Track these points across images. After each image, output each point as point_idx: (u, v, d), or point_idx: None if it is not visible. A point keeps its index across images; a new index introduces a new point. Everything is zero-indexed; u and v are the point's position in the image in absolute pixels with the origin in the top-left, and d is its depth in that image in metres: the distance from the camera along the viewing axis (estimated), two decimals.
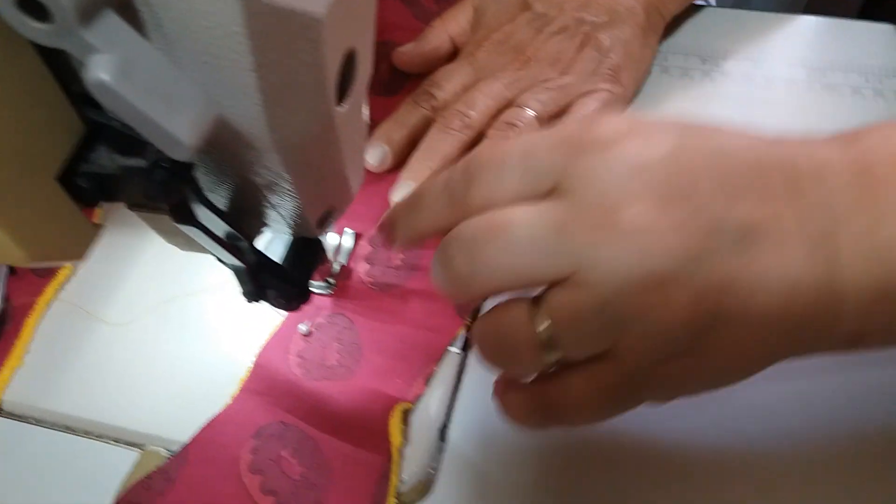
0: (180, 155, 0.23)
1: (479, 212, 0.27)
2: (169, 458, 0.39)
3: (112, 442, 0.42)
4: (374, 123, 0.49)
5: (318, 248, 0.37)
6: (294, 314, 0.44)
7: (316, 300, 0.45)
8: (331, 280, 0.45)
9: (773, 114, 0.49)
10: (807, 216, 0.25)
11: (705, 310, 0.25)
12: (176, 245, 0.36)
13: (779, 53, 0.52)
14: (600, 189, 0.25)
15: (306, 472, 0.37)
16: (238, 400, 0.41)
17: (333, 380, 0.41)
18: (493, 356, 0.29)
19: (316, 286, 0.45)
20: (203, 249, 0.34)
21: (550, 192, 0.26)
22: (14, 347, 0.45)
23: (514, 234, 0.26)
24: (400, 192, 0.46)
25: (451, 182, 0.29)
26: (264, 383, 0.41)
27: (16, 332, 0.46)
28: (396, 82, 0.55)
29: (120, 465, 0.40)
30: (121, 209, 0.42)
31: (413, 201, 0.31)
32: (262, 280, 0.35)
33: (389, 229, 0.32)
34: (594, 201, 0.25)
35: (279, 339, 0.43)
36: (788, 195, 0.25)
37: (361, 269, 0.46)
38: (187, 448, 0.39)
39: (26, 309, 0.47)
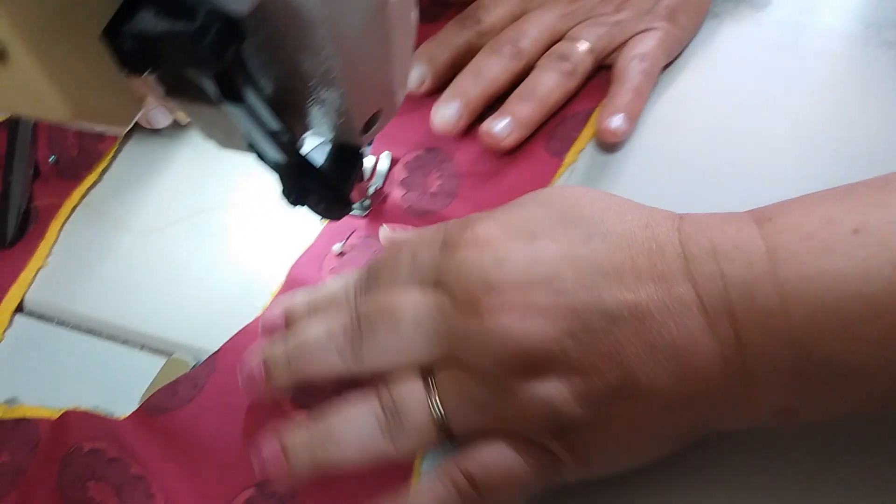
0: (239, 4, 0.22)
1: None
2: (196, 366, 0.39)
3: (138, 348, 0.41)
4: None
5: (358, 159, 0.36)
6: (328, 233, 0.43)
7: (350, 221, 0.44)
8: (366, 202, 0.44)
9: (826, 66, 0.48)
10: (701, 293, 0.26)
11: (592, 385, 0.27)
12: (215, 140, 0.34)
13: (836, 4, 0.51)
14: (468, 280, 0.29)
15: (340, 388, 0.36)
16: (269, 310, 0.40)
17: None
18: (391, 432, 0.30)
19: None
20: (243, 146, 0.33)
21: (435, 286, 0.30)
22: (38, 248, 0.44)
23: (402, 317, 0.30)
24: (444, 109, 0.44)
25: (353, 282, 0.33)
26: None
27: (40, 233, 0.45)
28: (436, 10, 0.53)
29: (145, 371, 0.39)
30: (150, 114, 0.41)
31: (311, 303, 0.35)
32: (304, 183, 0.34)
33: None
34: (464, 290, 0.29)
35: (313, 255, 0.42)
36: (673, 276, 0.27)
37: (397, 193, 0.45)
38: (215, 356, 0.39)
39: (51, 211, 0.46)
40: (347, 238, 0.43)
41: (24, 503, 0.35)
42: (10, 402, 0.39)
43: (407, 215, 0.43)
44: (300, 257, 0.42)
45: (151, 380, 0.39)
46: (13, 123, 0.43)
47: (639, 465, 0.30)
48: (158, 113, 0.47)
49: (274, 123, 0.30)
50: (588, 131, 0.46)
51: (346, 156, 0.35)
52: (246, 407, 0.37)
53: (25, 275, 0.43)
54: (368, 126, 0.33)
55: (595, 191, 0.33)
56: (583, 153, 0.46)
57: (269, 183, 0.44)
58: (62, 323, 0.42)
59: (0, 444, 0.37)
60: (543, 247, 0.28)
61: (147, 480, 0.34)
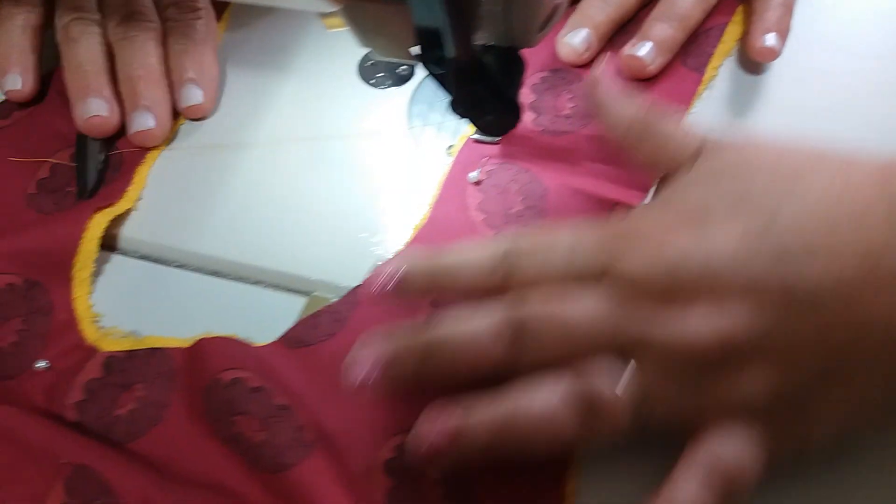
0: None
1: (522, 287, 0.28)
2: (337, 300, 0.36)
3: (270, 287, 0.38)
4: None
5: (522, 66, 0.33)
6: (460, 163, 0.40)
7: (481, 149, 0.41)
8: None
9: None
10: None
11: (798, 372, 0.25)
12: (374, 45, 0.31)
13: None
14: (651, 275, 0.27)
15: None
16: (412, 246, 0.37)
17: (521, 226, 0.37)
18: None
19: (480, 134, 0.41)
20: (404, 51, 0.30)
21: (603, 280, 0.27)
22: (128, 189, 0.41)
23: (575, 318, 0.27)
24: (571, 38, 0.42)
25: (502, 254, 0.29)
26: (439, 232, 0.37)
27: (126, 178, 0.42)
28: None
29: (282, 312, 0.37)
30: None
31: (451, 258, 0.31)
32: (476, 90, 0.30)
33: (407, 276, 0.31)
34: (648, 285, 0.26)
35: (451, 188, 0.39)
36: (882, 246, 0.25)
37: (527, 118, 0.42)
38: (357, 290, 0.36)
39: (138, 157, 0.43)
40: (481, 166, 0.40)
41: (171, 439, 0.32)
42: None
43: (543, 137, 0.41)
44: (441, 192, 0.39)
45: (295, 320, 0.36)
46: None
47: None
48: None
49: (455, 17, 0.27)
50: (723, 47, 0.44)
51: (511, 60, 0.32)
52: None
53: (110, 210, 0.40)
54: (545, 24, 0.30)
55: (767, 146, 0.29)
56: (721, 69, 0.43)
57: (393, 114, 0.42)
58: (181, 265, 0.39)
59: (134, 376, 0.34)
60: (725, 231, 0.26)
61: (293, 411, 0.31)
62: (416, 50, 0.31)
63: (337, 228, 0.39)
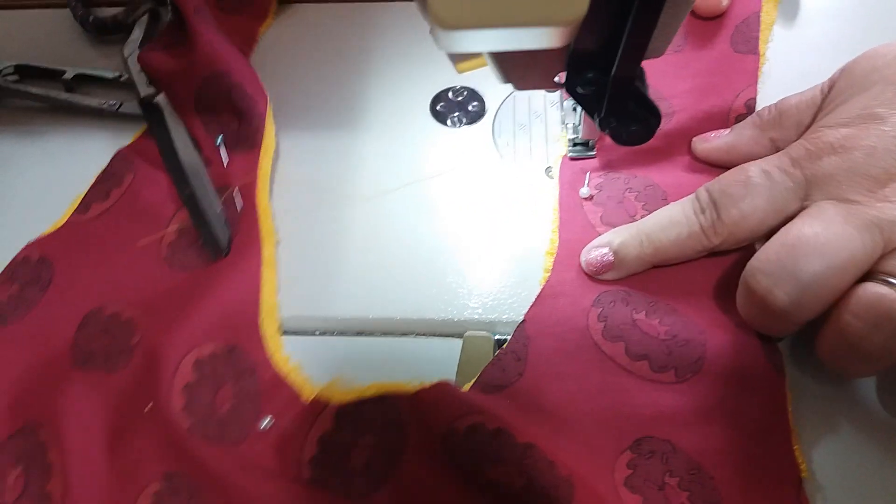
0: None
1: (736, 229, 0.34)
2: (509, 338, 0.37)
3: (418, 336, 0.39)
4: None
5: (644, 74, 0.35)
6: (565, 183, 0.42)
7: (579, 165, 0.42)
8: (592, 141, 0.42)
9: None
10: None
11: None
12: (519, 83, 0.33)
13: None
14: (851, 181, 0.31)
15: (671, 330, 0.35)
16: (556, 272, 0.38)
17: None
18: None
19: (573, 151, 0.42)
20: (548, 83, 0.32)
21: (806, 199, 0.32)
22: (261, 235, 0.41)
23: (825, 241, 0.30)
24: None
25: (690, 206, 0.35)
26: (576, 252, 0.39)
27: (251, 221, 0.42)
28: None
29: (441, 356, 0.37)
30: None
31: (651, 220, 0.36)
32: (628, 103, 0.32)
33: (620, 249, 0.36)
34: (850, 191, 0.31)
35: (567, 207, 0.40)
36: None
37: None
38: (523, 326, 0.37)
39: (249, 189, 0.43)
40: (587, 181, 0.41)
41: (408, 490, 0.32)
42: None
43: None
44: (561, 214, 0.40)
45: (457, 362, 0.37)
46: (158, 135, 0.39)
47: None
48: None
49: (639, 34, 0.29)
50: (764, 32, 0.47)
51: (642, 70, 0.34)
52: (578, 367, 0.35)
53: (268, 253, 0.40)
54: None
55: (877, 49, 0.34)
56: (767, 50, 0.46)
57: (478, 149, 0.43)
58: (324, 332, 0.39)
59: (364, 426, 0.34)
60: None
61: (538, 449, 0.31)
62: (559, 78, 0.32)
63: (468, 264, 0.40)
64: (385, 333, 0.39)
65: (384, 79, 0.49)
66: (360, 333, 0.39)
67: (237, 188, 0.42)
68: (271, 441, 0.34)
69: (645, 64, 0.32)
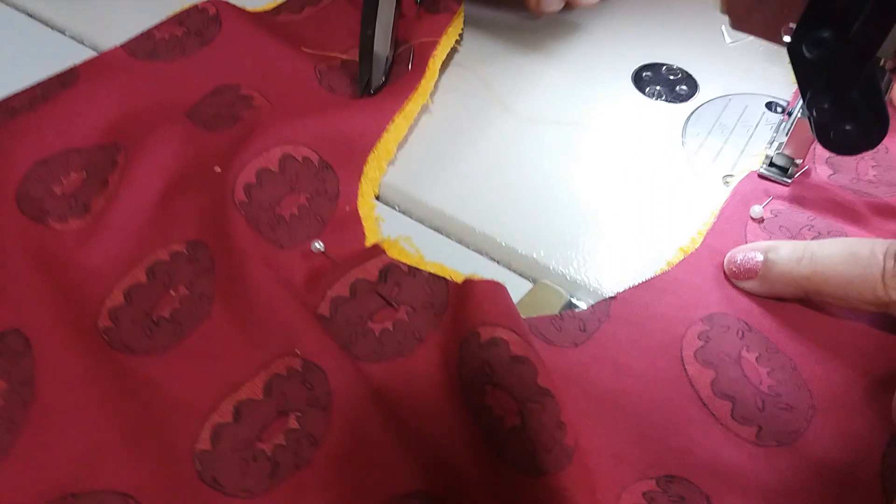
0: None
1: None
2: (587, 308, 0.31)
3: (494, 261, 0.34)
4: None
5: (891, 82, 0.28)
6: (739, 195, 0.35)
7: (764, 186, 0.35)
8: (792, 169, 0.35)
9: None
10: None
11: None
12: (744, 22, 0.27)
13: None
14: None
15: (777, 387, 0.28)
16: (680, 270, 0.32)
17: None
18: None
19: (766, 169, 0.36)
20: (773, 33, 0.26)
21: None
22: (420, 84, 0.39)
23: None
24: None
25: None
26: (709, 262, 0.32)
27: (419, 71, 0.40)
28: None
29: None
30: None
31: (823, 247, 0.29)
32: (851, 91, 0.26)
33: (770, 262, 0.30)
34: None
35: (729, 218, 0.34)
36: None
37: (822, 171, 0.36)
38: (611, 303, 0.31)
39: (427, 49, 0.40)
40: (767, 202, 0.34)
41: (411, 379, 0.28)
42: None
43: (842, 192, 0.35)
44: (718, 222, 0.34)
45: (517, 300, 0.31)
46: None
47: None
48: None
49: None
50: None
51: (882, 73, 0.27)
52: (643, 367, 0.29)
53: (410, 108, 0.38)
54: None
55: None
56: None
57: (664, 128, 0.38)
58: (407, 213, 0.36)
59: (406, 295, 0.30)
60: None
61: (555, 400, 0.26)
62: (786, 34, 0.26)
63: (585, 221, 0.35)
64: (462, 241, 0.35)
65: (609, 30, 0.45)
66: (438, 230, 0.35)
67: (413, 45, 0.40)
68: (310, 263, 0.32)
69: None
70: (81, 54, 0.42)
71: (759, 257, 0.30)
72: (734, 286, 0.31)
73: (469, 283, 0.29)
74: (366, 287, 0.31)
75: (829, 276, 0.28)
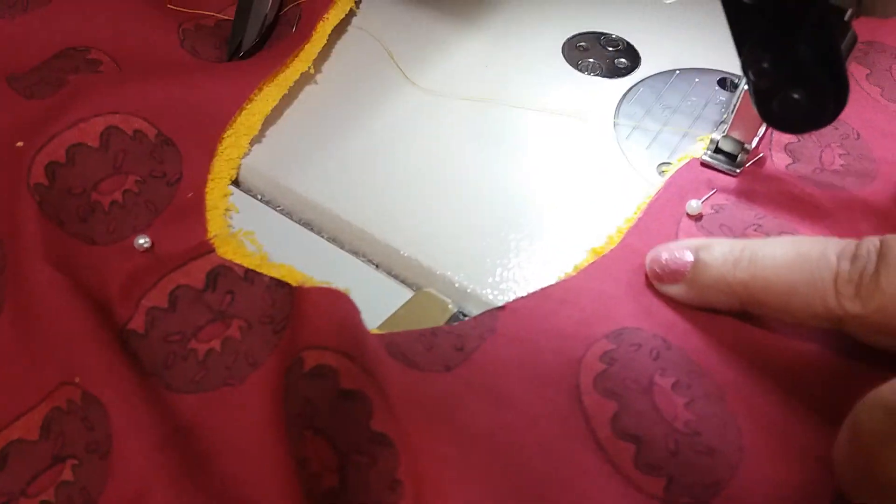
0: None
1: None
2: (464, 321, 0.25)
3: (372, 265, 0.28)
4: None
5: (854, 43, 0.22)
6: (676, 186, 0.29)
7: (707, 176, 0.29)
8: (742, 157, 0.29)
9: None
10: None
11: None
12: None
13: None
14: None
15: (697, 423, 0.21)
16: (586, 276, 0.25)
17: None
18: None
19: (710, 156, 0.29)
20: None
21: None
22: (302, 50, 0.33)
23: None
24: None
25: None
26: (627, 265, 0.26)
27: (302, 35, 0.33)
28: None
29: (383, 297, 0.26)
30: None
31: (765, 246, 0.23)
32: (799, 46, 0.19)
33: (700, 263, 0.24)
34: None
35: (659, 213, 0.27)
36: None
37: (779, 160, 0.30)
38: (496, 314, 0.24)
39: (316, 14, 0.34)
40: (708, 196, 0.28)
41: (235, 414, 0.23)
42: None
43: (800, 184, 0.29)
44: (644, 217, 0.27)
45: (393, 311, 0.25)
46: None
47: None
48: None
49: None
50: None
51: (843, 31, 0.21)
52: (527, 399, 0.22)
53: (286, 76, 0.32)
54: None
55: None
56: None
57: (596, 105, 0.32)
58: (272, 202, 0.29)
59: (238, 307, 0.25)
60: None
61: (394, 448, 0.20)
62: None
63: (485, 218, 0.28)
64: (335, 240, 0.28)
65: None
66: (307, 225, 0.29)
67: (302, 4, 0.34)
68: (132, 264, 0.26)
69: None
70: None
71: (689, 257, 0.24)
72: (655, 295, 0.25)
73: (301, 293, 0.23)
74: (190, 296, 0.24)
75: (770, 282, 0.22)
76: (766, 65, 0.20)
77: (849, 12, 0.21)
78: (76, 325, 0.23)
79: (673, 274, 0.24)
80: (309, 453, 0.20)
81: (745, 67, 0.21)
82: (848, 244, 0.21)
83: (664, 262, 0.24)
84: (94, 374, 0.22)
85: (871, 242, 0.20)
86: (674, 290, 0.24)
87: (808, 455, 0.21)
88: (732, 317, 0.24)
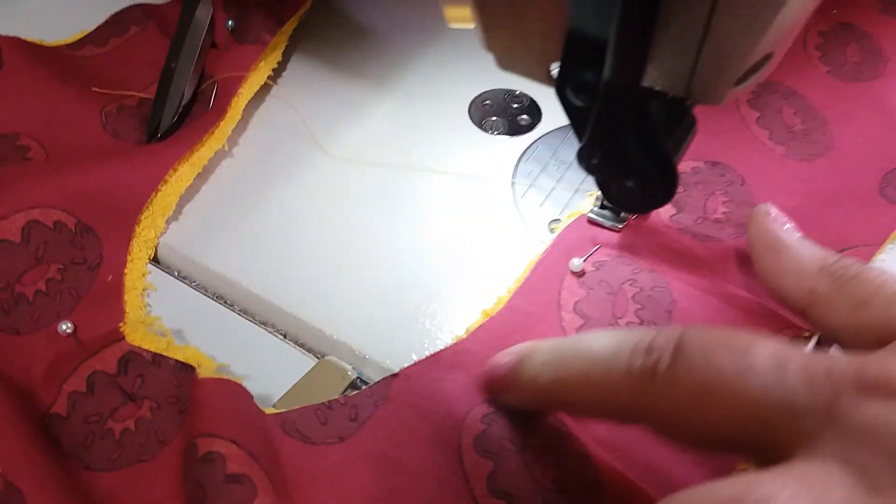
0: None
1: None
2: (359, 392, 0.27)
3: (279, 336, 0.29)
4: None
5: (692, 128, 0.24)
6: (562, 244, 0.31)
7: (592, 232, 0.31)
8: (623, 213, 0.31)
9: None
10: None
11: None
12: (504, 55, 0.23)
13: None
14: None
15: (563, 479, 0.23)
16: (475, 339, 0.27)
17: None
18: None
19: (596, 213, 0.31)
20: (538, 70, 0.22)
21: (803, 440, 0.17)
22: (217, 128, 0.35)
23: None
24: None
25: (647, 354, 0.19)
26: (515, 326, 0.28)
27: (219, 111, 0.35)
28: None
29: (287, 369, 0.28)
30: None
31: (583, 343, 0.21)
32: (623, 140, 0.21)
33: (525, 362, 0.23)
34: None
35: (545, 272, 0.29)
36: None
37: (664, 211, 0.32)
38: (390, 382, 0.26)
39: (232, 85, 0.36)
40: (591, 253, 0.30)
41: (148, 489, 0.25)
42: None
43: (680, 237, 0.31)
44: (530, 277, 0.29)
45: (294, 383, 0.27)
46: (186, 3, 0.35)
47: None
48: None
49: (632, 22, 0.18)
50: None
51: (679, 117, 0.23)
52: (416, 462, 0.24)
53: (201, 154, 0.34)
54: (745, 76, 0.20)
55: None
56: None
57: (496, 166, 0.34)
58: (188, 278, 0.31)
59: (149, 389, 0.27)
60: None
61: None
62: (556, 70, 0.22)
63: (387, 284, 0.30)
64: (246, 312, 0.30)
65: (441, 54, 0.41)
66: (221, 299, 0.31)
67: (218, 81, 0.36)
68: (55, 350, 0.28)
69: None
70: None
71: (512, 361, 0.24)
72: None
73: (197, 383, 0.25)
74: (104, 380, 0.27)
75: (572, 383, 0.21)
76: (595, 161, 0.22)
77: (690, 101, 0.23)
78: None
79: (497, 383, 0.24)
80: None
81: (580, 158, 0.23)
82: (642, 335, 0.20)
83: (490, 370, 0.24)
84: (14, 464, 0.24)
85: (667, 336, 0.19)
86: (506, 398, 0.24)
87: None
88: None
